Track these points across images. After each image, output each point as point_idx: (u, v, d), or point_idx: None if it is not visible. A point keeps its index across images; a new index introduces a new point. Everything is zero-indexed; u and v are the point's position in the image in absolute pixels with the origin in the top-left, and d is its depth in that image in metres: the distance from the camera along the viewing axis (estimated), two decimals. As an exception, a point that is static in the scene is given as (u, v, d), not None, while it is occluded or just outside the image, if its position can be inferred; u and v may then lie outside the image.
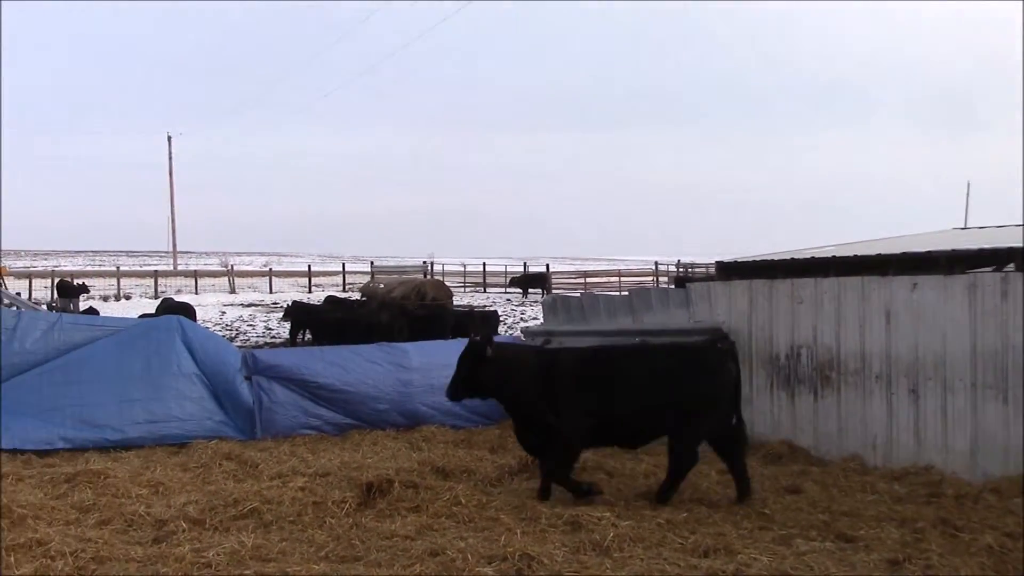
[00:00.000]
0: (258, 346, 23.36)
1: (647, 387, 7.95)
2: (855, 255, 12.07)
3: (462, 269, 57.44)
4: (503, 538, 6.45)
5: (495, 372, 8.01)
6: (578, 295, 13.57)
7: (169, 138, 66.07)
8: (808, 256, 13.02)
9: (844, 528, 6.89)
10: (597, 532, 6.60)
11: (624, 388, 7.95)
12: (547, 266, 52.27)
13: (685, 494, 7.95)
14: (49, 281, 40.90)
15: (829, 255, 12.89)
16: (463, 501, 7.45)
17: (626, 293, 12.37)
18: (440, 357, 11.92)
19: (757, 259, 13.88)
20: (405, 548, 6.34)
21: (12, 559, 5.99)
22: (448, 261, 61.35)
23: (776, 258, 13.45)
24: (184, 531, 6.65)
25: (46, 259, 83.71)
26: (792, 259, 13.05)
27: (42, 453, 9.75)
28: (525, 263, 57.56)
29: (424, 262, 54.24)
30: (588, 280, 51.40)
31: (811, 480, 8.50)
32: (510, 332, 25.71)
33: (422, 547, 6.31)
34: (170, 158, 65.53)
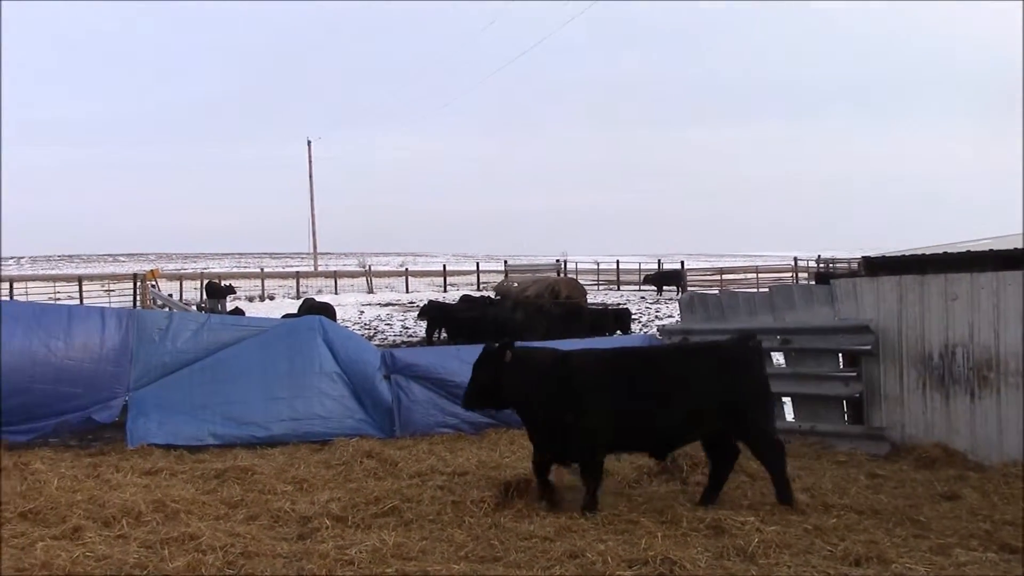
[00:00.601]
0: (395, 345, 23.75)
1: (674, 390, 7.59)
2: (1016, 248, 11.40)
3: (595, 267, 57.24)
4: (643, 541, 6.32)
5: (515, 379, 7.66)
6: (716, 292, 13.25)
7: (309, 142, 68.03)
8: (963, 250, 12.36)
9: (1008, 538, 6.48)
10: (741, 537, 6.40)
11: (648, 392, 7.58)
12: (682, 263, 51.48)
13: (832, 498, 7.64)
14: (198, 283, 42.55)
15: (986, 248, 12.22)
16: (601, 503, 7.35)
17: (766, 290, 12.00)
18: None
19: (906, 254, 13.28)
20: (544, 549, 6.28)
21: (166, 552, 6.19)
22: (581, 259, 61.22)
23: (927, 252, 12.83)
24: (327, 528, 6.76)
25: (195, 261, 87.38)
26: (945, 253, 12.42)
27: (193, 449, 10.11)
28: (659, 260, 56.86)
29: (557, 260, 54.21)
30: (724, 277, 50.37)
31: (969, 486, 8.04)
32: (644, 330, 25.41)
33: (561, 549, 6.24)
34: (310, 162, 67.49)
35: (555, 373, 7.66)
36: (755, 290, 25.15)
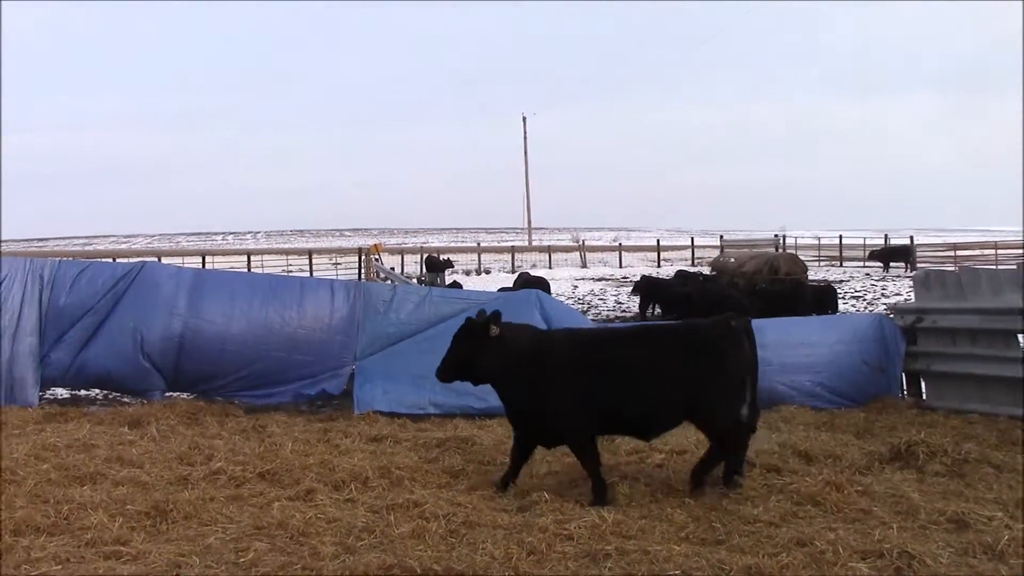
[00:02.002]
0: (609, 320, 23.70)
1: (652, 371, 7.24)
2: None
3: (816, 242, 55.10)
4: (877, 532, 5.95)
5: (495, 355, 7.39)
6: (954, 269, 12.37)
7: (524, 118, 68.76)
8: None
9: None
10: (988, 534, 5.92)
11: (628, 372, 7.26)
12: (911, 238, 48.73)
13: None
14: (418, 257, 43.98)
15: None
16: (830, 489, 6.99)
17: (1012, 267, 11.09)
18: (796, 335, 11.43)
19: None
20: (770, 535, 6.03)
21: (392, 517, 6.37)
22: (801, 234, 59.06)
23: None
24: (546, 502, 6.74)
25: (415, 236, 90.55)
26: None
27: (415, 417, 10.40)
28: (886, 235, 54.03)
29: (775, 235, 52.56)
30: (958, 253, 47.24)
31: None
32: (870, 308, 24.23)
33: (788, 535, 5.97)
34: (525, 138, 68.20)
35: (535, 352, 7.41)
36: (996, 267, 23.47)
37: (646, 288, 23.94)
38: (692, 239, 59.22)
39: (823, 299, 20.77)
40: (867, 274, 39.35)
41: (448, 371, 7.64)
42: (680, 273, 29.08)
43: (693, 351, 7.36)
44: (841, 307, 22.93)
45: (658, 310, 22.96)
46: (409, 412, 10.58)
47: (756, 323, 11.45)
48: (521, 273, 31.53)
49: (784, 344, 10.95)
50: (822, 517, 6.49)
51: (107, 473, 7.50)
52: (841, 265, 47.17)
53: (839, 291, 25.32)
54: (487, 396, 10.70)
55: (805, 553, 5.66)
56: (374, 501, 6.81)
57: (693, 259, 49.77)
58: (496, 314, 7.54)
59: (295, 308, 11.25)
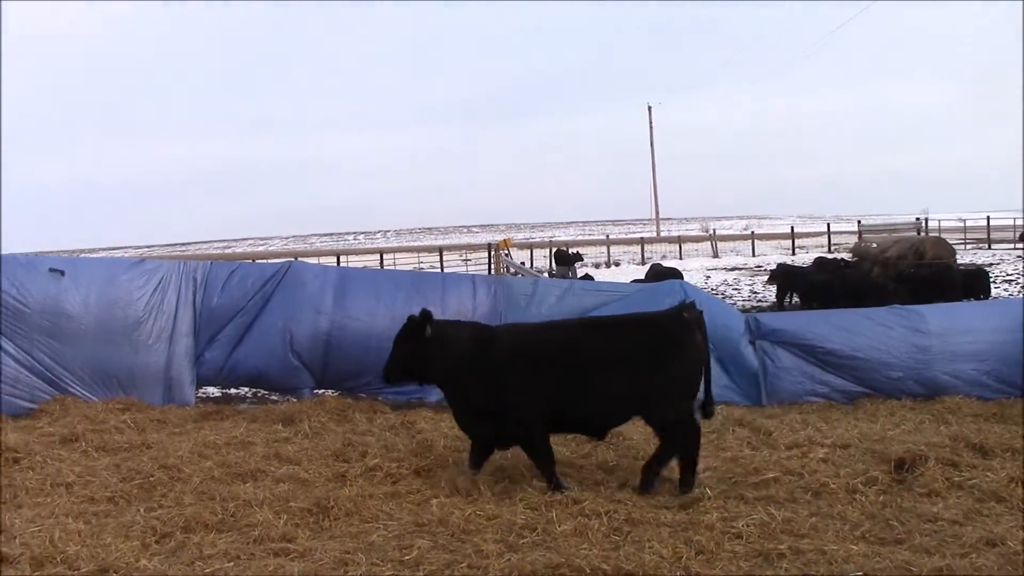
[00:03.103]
0: (745, 310, 23.14)
1: (603, 366, 7.01)
2: None
3: (961, 224, 52.77)
4: (1074, 532, 5.55)
5: (435, 355, 7.23)
6: None
7: (649, 108, 67.89)
8: None
9: None
10: None
11: (576, 368, 7.03)
12: (1066, 217, 46.18)
13: None
14: (547, 251, 43.95)
15: None
16: (1015, 485, 6.55)
17: None
18: (961, 321, 10.88)
19: None
20: (955, 534, 5.70)
21: (552, 514, 6.26)
22: (944, 217, 56.60)
23: None
24: (709, 498, 6.54)
25: (542, 231, 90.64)
26: None
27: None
28: (1039, 215, 51.26)
29: (916, 219, 50.46)
30: (1117, 231, 44.48)
31: None
32: (1023, 293, 23.00)
33: (975, 534, 5.62)
34: (651, 128, 67.38)
35: (478, 350, 7.20)
36: None
37: (783, 277, 23.27)
38: (828, 225, 57.41)
39: (974, 284, 19.74)
40: (1020, 256, 37.42)
41: (391, 371, 7.53)
42: (819, 260, 28.17)
43: (644, 344, 7.12)
44: (993, 292, 21.81)
45: (796, 299, 22.32)
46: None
47: (919, 310, 11.01)
48: (653, 265, 31.05)
49: (950, 331, 10.45)
50: (1009, 515, 6.10)
51: (267, 470, 7.61)
52: (990, 247, 45.03)
53: (990, 275, 24.06)
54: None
55: (997, 554, 5.33)
56: (532, 498, 6.70)
57: (829, 246, 48.26)
58: (427, 313, 7.44)
59: (438, 303, 11.25)
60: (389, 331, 10.98)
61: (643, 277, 22.47)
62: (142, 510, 6.50)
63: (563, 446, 8.44)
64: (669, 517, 6.22)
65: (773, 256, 44.51)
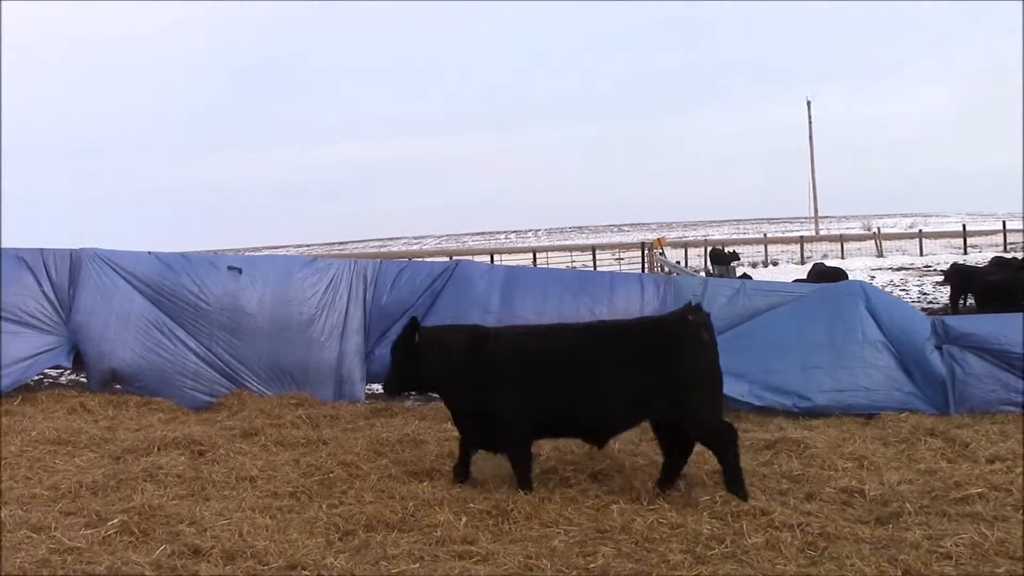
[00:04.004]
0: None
1: (599, 370, 6.84)
2: None
3: None
4: None
5: (427, 361, 7.15)
6: None
7: (808, 102, 65.75)
8: None
9: None
10: None
11: (571, 372, 6.88)
12: None
13: None
14: (701, 250, 43.15)
15: None
16: None
17: None
18: None
19: None
20: None
21: (739, 526, 5.99)
22: None
23: None
24: (909, 514, 6.14)
25: (695, 229, 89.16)
26: None
27: (734, 416, 9.94)
28: None
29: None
30: None
31: None
32: None
33: None
34: (810, 123, 65.31)
35: (469, 354, 7.11)
36: None
37: (957, 277, 22.02)
38: (1004, 223, 54.34)
39: None
40: None
41: (391, 384, 7.54)
42: (997, 260, 26.62)
43: (646, 348, 6.89)
44: None
45: (971, 301, 21.13)
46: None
47: None
48: (815, 264, 29.98)
49: None
50: None
51: (441, 469, 7.59)
52: None
53: None
54: (811, 395, 10.15)
55: None
56: (715, 507, 6.44)
57: (1005, 244, 45.69)
58: (414, 320, 7.45)
59: (605, 303, 11.11)
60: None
61: (804, 277, 21.71)
62: (324, 506, 6.55)
63: (743, 453, 8.12)
64: (867, 532, 5.85)
65: (943, 255, 42.40)
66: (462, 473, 7.33)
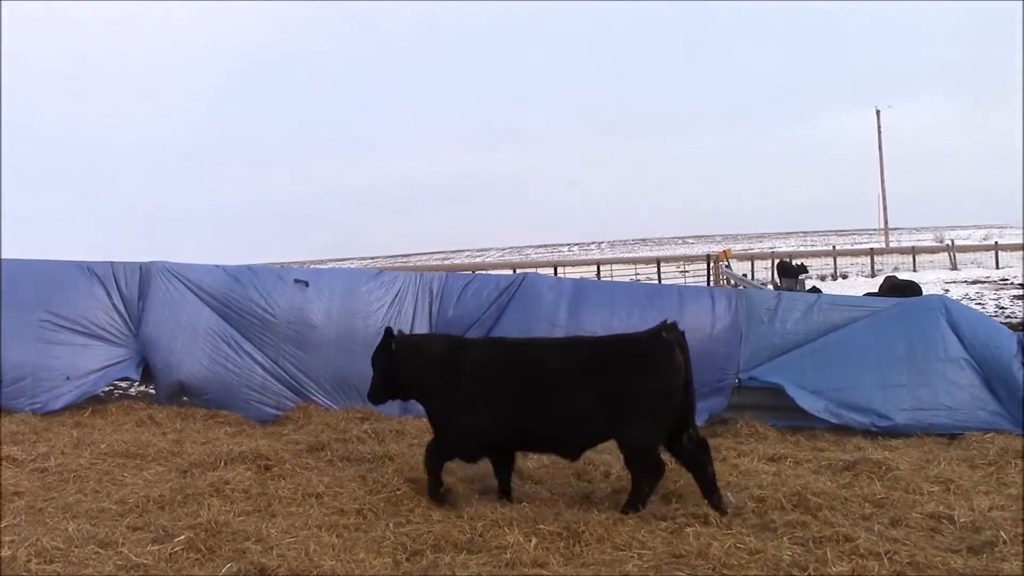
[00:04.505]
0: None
1: (569, 385, 6.82)
2: None
3: None
4: None
5: (404, 369, 7.25)
6: None
7: (878, 112, 64.57)
8: None
9: None
10: None
11: (539, 386, 6.87)
12: None
13: None
14: (768, 262, 42.50)
15: None
16: None
17: None
18: None
19: None
20: None
21: (822, 553, 5.72)
22: None
23: None
24: (1004, 543, 5.80)
25: (760, 241, 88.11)
26: None
27: (808, 434, 9.67)
28: None
29: None
30: None
31: None
32: None
33: None
34: (879, 132, 64.10)
35: (441, 364, 7.18)
36: None
37: (1042, 292, 21.39)
38: (1082, 235, 52.77)
39: None
40: None
41: (373, 393, 7.56)
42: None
43: (617, 364, 6.84)
44: None
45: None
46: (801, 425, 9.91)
47: None
48: (887, 277, 29.23)
49: None
50: None
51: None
52: None
53: None
54: (890, 414, 9.80)
55: None
56: (794, 531, 6.18)
57: (1086, 257, 44.27)
58: (388, 330, 7.48)
59: (674, 317, 10.77)
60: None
61: (876, 291, 21.17)
62: (391, 525, 6.42)
63: (819, 474, 7.85)
64: (960, 563, 5.54)
65: (1019, 268, 41.24)
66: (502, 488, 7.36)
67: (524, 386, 6.97)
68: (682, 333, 6.98)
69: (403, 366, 7.32)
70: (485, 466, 7.97)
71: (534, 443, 7.28)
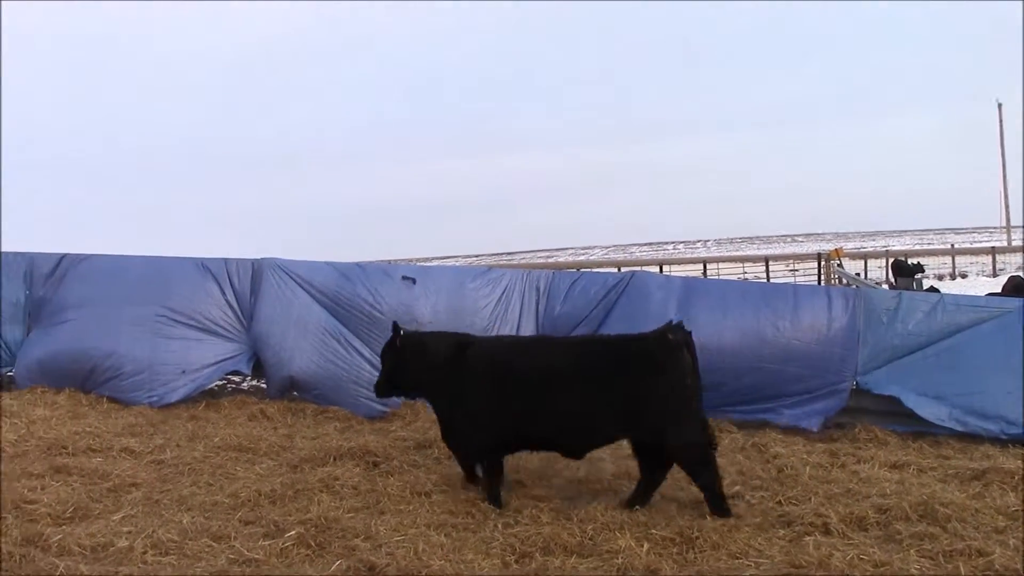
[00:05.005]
0: None
1: (573, 385, 6.77)
2: None
3: None
4: None
5: (409, 366, 7.32)
6: None
7: (999, 105, 62.09)
8: None
9: None
10: None
11: (543, 386, 6.83)
12: None
13: None
14: (882, 261, 41.23)
15: None
16: None
17: None
18: None
19: None
20: None
21: (957, 567, 5.42)
22: None
23: None
24: None
25: (873, 239, 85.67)
26: None
27: (931, 440, 9.26)
28: None
29: None
30: None
31: None
32: None
33: None
34: (1000, 126, 61.63)
35: (446, 361, 7.19)
36: None
37: None
38: None
39: None
40: None
41: (379, 386, 7.64)
42: None
43: (622, 365, 6.76)
44: None
45: None
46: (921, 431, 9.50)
47: None
48: (1011, 277, 28.02)
49: None
50: None
51: (618, 490, 7.28)
52: None
53: None
54: (1020, 421, 9.31)
55: None
56: (922, 544, 5.87)
57: None
58: (395, 325, 7.55)
59: (789, 317, 10.49)
60: (737, 345, 10.47)
61: (999, 291, 20.25)
62: (499, 526, 6.32)
63: (945, 483, 7.47)
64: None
65: None
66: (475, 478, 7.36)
67: (527, 386, 6.94)
68: (689, 334, 6.91)
69: (410, 363, 7.39)
70: (593, 467, 7.86)
71: (537, 443, 7.23)
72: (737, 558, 5.75)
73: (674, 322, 7.07)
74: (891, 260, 38.01)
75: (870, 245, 70.32)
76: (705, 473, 6.65)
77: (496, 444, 7.10)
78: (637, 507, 6.70)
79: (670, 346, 6.78)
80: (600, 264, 53.07)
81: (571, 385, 6.83)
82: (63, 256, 11.85)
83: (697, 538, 5.97)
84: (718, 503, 6.59)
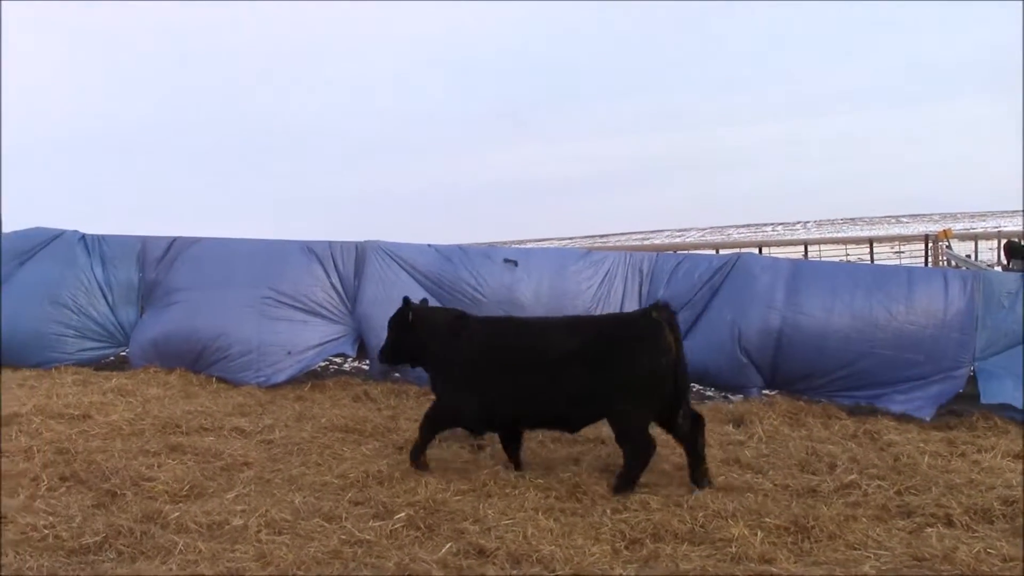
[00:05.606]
0: None
1: (567, 364, 6.91)
2: None
3: None
4: None
5: (414, 338, 7.54)
6: None
7: (1120, 80, 58.99)
8: None
9: None
10: None
11: (535, 364, 7.00)
12: None
13: None
14: (994, 243, 39.72)
15: None
16: None
17: None
18: None
19: None
20: None
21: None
22: None
23: None
24: None
25: (983, 220, 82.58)
26: None
27: None
28: None
29: None
30: None
31: None
32: None
33: None
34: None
35: (446, 336, 7.41)
36: None
37: None
38: None
39: None
40: None
41: (384, 353, 7.94)
42: None
43: (607, 343, 6.91)
44: None
45: None
46: None
47: None
48: (1008, 241, 26.79)
49: None
50: None
51: (727, 475, 7.13)
52: None
53: None
54: None
55: None
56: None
57: None
58: (406, 300, 7.75)
59: (903, 301, 10.14)
60: (847, 329, 10.19)
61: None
62: (608, 511, 6.24)
63: (963, 471, 7.13)
64: None
65: None
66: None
67: (514, 364, 7.12)
68: (674, 314, 7.05)
69: (416, 336, 7.60)
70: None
71: (529, 420, 7.38)
72: (855, 549, 5.57)
73: (660, 301, 7.36)
74: (1004, 241, 36.55)
75: (980, 226, 67.83)
76: (637, 454, 6.80)
77: (488, 420, 7.38)
78: (707, 484, 6.80)
79: (653, 325, 6.88)
80: (698, 246, 52.11)
81: (557, 364, 6.98)
82: (174, 239, 12.17)
83: (813, 527, 5.80)
84: (624, 484, 6.73)
